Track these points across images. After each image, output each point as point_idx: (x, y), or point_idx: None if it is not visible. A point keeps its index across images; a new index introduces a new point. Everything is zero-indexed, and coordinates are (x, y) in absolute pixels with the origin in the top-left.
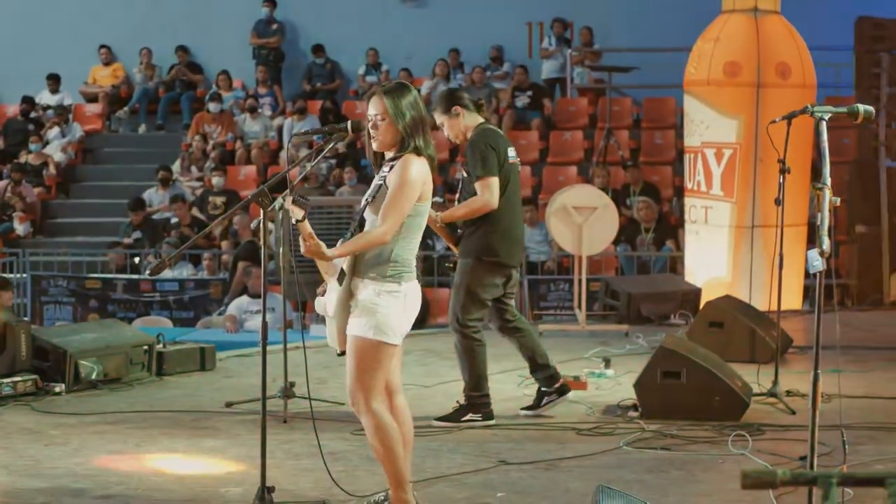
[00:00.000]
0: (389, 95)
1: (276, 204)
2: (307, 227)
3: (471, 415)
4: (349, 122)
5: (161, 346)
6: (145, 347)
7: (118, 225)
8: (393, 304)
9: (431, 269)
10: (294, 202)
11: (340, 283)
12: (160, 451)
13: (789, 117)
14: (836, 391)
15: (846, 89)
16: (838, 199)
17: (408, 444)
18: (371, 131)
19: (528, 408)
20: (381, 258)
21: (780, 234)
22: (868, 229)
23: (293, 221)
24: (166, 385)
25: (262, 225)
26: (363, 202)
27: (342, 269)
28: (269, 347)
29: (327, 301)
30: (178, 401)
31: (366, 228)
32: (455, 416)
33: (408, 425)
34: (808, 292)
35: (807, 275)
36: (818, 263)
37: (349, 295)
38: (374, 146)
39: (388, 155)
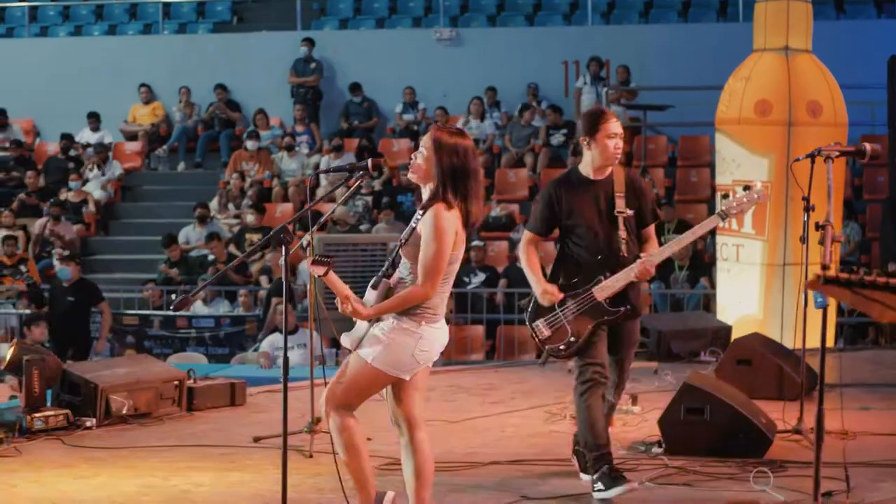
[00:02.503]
0: (439, 133)
1: (303, 241)
2: (338, 285)
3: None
4: (368, 161)
5: (192, 381)
6: (176, 383)
7: (156, 262)
8: (403, 342)
9: (465, 305)
10: (314, 262)
11: (370, 321)
12: (188, 485)
13: (808, 156)
14: (863, 429)
15: (881, 128)
16: (842, 237)
17: (428, 478)
18: (412, 160)
19: None
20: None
21: (805, 272)
22: None
23: (316, 276)
24: (196, 420)
25: (284, 261)
26: (399, 242)
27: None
28: (298, 383)
29: (354, 337)
30: (207, 435)
31: (399, 271)
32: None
33: (428, 460)
34: (841, 330)
35: (841, 313)
36: (821, 300)
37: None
38: (410, 175)
39: (425, 194)
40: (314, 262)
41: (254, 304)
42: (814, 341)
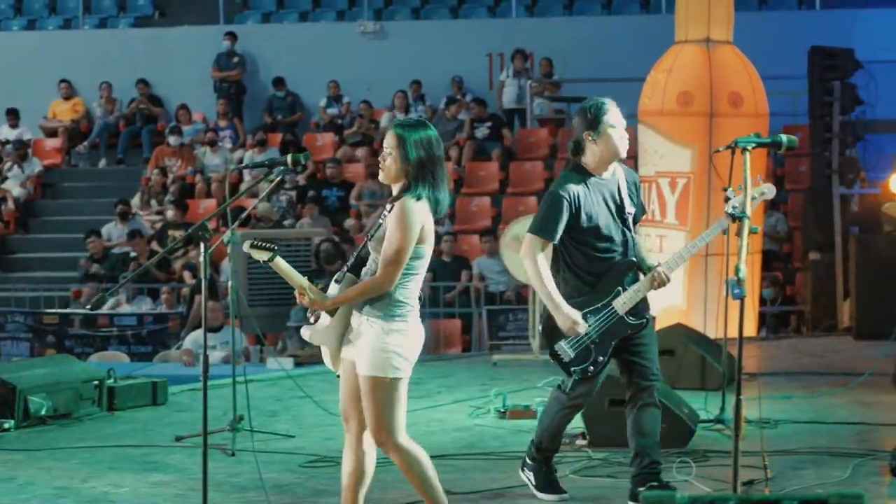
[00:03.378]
0: (400, 131)
1: (225, 237)
2: (292, 274)
3: None
4: (289, 156)
5: (112, 381)
6: (95, 383)
7: (76, 260)
8: (402, 341)
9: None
10: (252, 246)
11: (332, 315)
12: (107, 486)
13: (727, 148)
14: (784, 417)
15: (802, 118)
16: (758, 228)
17: (369, 477)
18: (380, 162)
19: None
20: (386, 298)
21: (726, 262)
22: (822, 256)
23: (261, 261)
24: (117, 420)
25: (204, 258)
26: (367, 236)
27: None
28: (221, 381)
29: (316, 330)
30: (128, 436)
31: (367, 265)
32: None
33: (371, 459)
34: (764, 319)
35: (763, 302)
36: (738, 291)
37: (344, 324)
38: (380, 177)
39: (395, 190)
40: (253, 247)
41: (177, 301)
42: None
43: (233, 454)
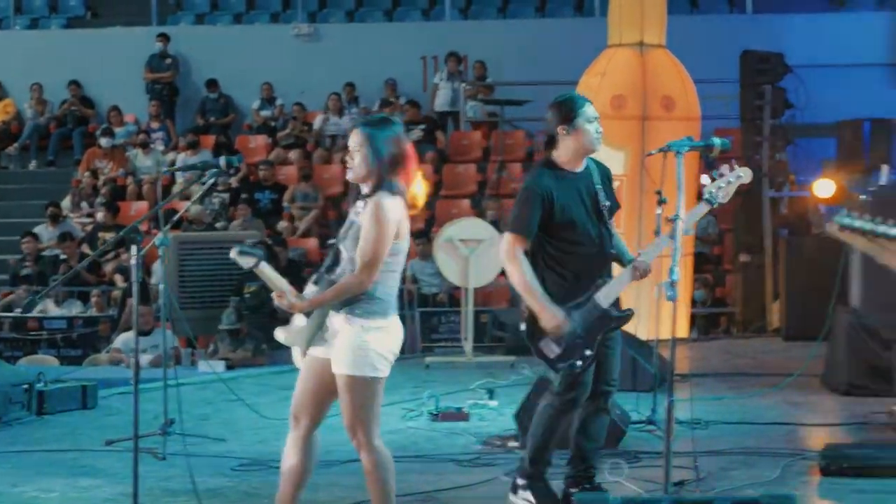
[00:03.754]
0: (367, 129)
1: (156, 240)
2: (274, 278)
3: None
4: (222, 159)
5: (42, 384)
6: (25, 386)
7: (7, 263)
8: (382, 339)
9: None
10: (240, 254)
11: (308, 315)
12: (37, 490)
13: (660, 151)
14: (715, 418)
15: (733, 121)
16: (692, 231)
17: (308, 478)
18: (347, 161)
19: None
20: (365, 296)
21: (659, 264)
22: (751, 258)
23: (244, 268)
24: (46, 424)
25: (135, 261)
26: (339, 237)
27: None
28: (151, 384)
29: (290, 331)
30: (58, 439)
31: (341, 264)
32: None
33: (314, 460)
34: (694, 321)
35: (694, 304)
36: (671, 293)
37: (318, 325)
38: (349, 177)
39: (364, 188)
40: (241, 254)
41: (107, 304)
42: (668, 332)
43: (164, 458)
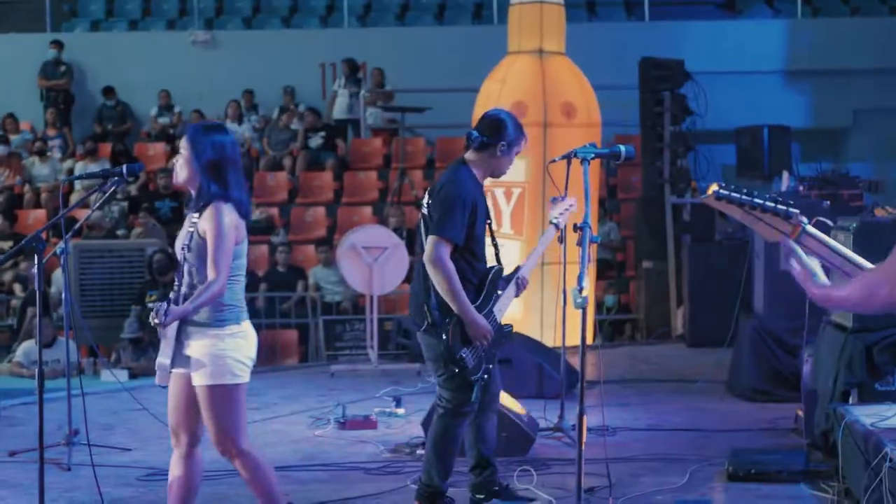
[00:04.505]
0: (193, 133)
1: (58, 249)
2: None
3: None
4: (124, 167)
5: None
6: None
7: None
8: (239, 345)
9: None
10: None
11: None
12: None
13: (564, 157)
14: (623, 424)
15: (634, 128)
16: (598, 238)
17: (196, 492)
18: (173, 165)
19: None
20: (216, 304)
21: (564, 271)
22: (654, 264)
23: (153, 323)
24: None
25: (38, 271)
26: (180, 251)
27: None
28: (55, 394)
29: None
30: None
31: (186, 275)
32: None
33: (199, 473)
34: (600, 327)
35: (605, 310)
36: (581, 300)
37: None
38: (173, 179)
39: (192, 192)
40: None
41: (6, 313)
42: (573, 339)
43: (69, 469)
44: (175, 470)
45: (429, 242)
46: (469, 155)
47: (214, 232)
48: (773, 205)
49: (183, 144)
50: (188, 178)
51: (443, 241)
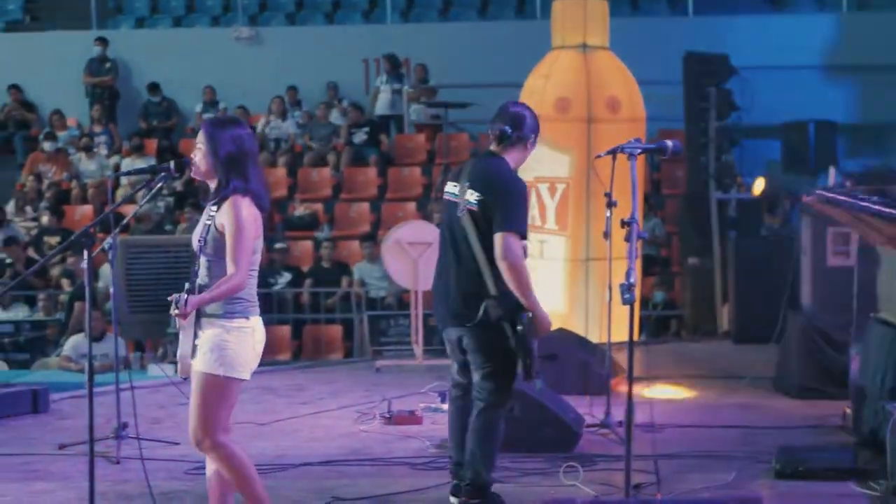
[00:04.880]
0: (210, 126)
1: (105, 244)
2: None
3: None
4: (171, 162)
5: None
6: None
7: None
8: (243, 340)
9: (271, 306)
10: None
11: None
12: None
13: (609, 153)
14: (669, 421)
15: (678, 122)
16: (646, 234)
17: (230, 486)
18: (193, 158)
19: None
20: (227, 297)
21: (609, 267)
22: (700, 261)
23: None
24: None
25: (87, 266)
26: (196, 243)
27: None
28: (103, 388)
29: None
30: (8, 444)
31: (203, 268)
32: None
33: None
34: (645, 324)
35: (654, 306)
36: (629, 296)
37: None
38: (192, 173)
39: (211, 186)
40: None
41: (54, 308)
42: (618, 335)
43: (118, 462)
44: (210, 462)
45: (499, 238)
46: (498, 149)
47: (234, 226)
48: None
49: (200, 139)
50: (207, 171)
51: (513, 235)
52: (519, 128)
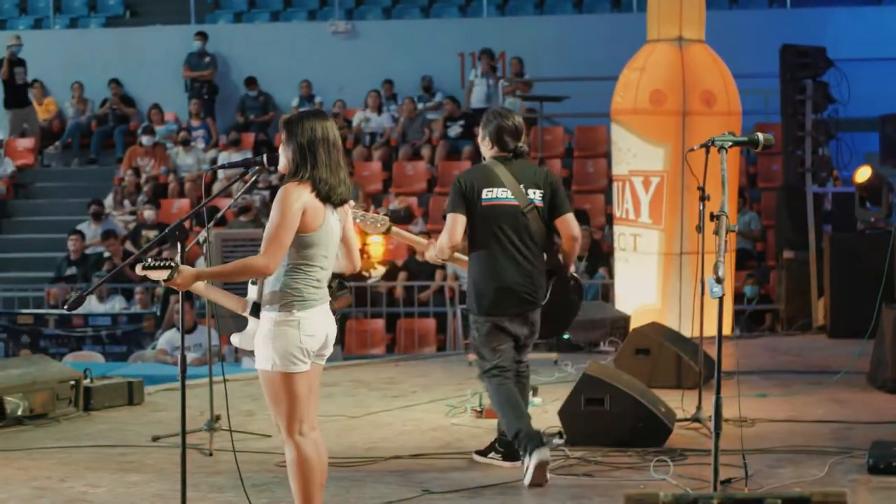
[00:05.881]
0: (286, 121)
1: (200, 237)
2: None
3: (493, 454)
4: (264, 156)
5: (88, 381)
6: (72, 382)
7: (51, 260)
8: (288, 333)
9: (365, 300)
10: (145, 268)
11: (256, 316)
12: (85, 485)
13: (702, 146)
14: (761, 415)
15: (774, 116)
16: (736, 227)
17: (322, 470)
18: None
19: (479, 452)
20: (275, 290)
21: (701, 261)
22: (795, 255)
23: (160, 282)
24: (93, 420)
25: (180, 259)
26: None
27: (254, 303)
28: (197, 381)
29: (246, 335)
30: (105, 435)
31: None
32: (483, 452)
33: (322, 462)
34: (738, 318)
35: (738, 300)
36: (717, 290)
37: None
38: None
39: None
40: (146, 268)
41: (150, 301)
42: (711, 329)
43: (210, 454)
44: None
45: (573, 219)
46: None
47: (274, 213)
48: None
49: (281, 131)
50: (285, 164)
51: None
52: (518, 134)
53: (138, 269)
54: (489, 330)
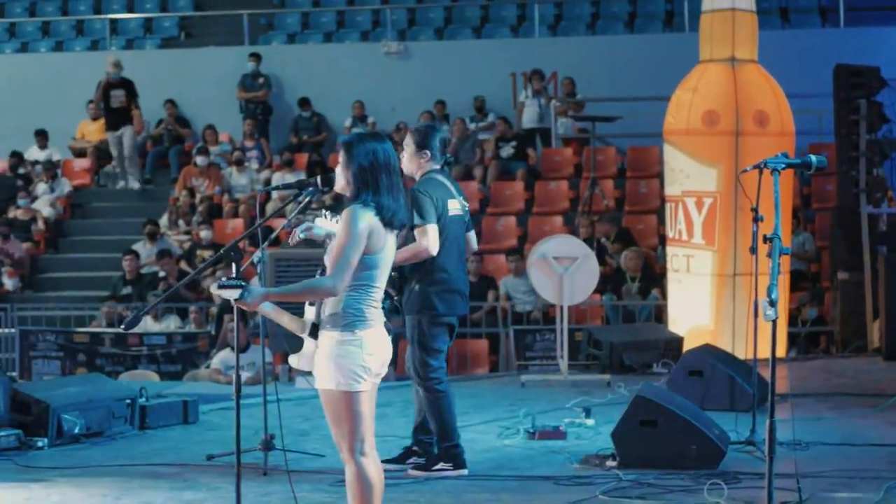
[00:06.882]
0: (345, 142)
1: (255, 257)
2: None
3: (442, 464)
4: (318, 177)
5: (144, 399)
6: (128, 401)
7: (107, 279)
8: (350, 353)
9: None
10: (220, 287)
11: (314, 337)
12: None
13: (755, 167)
14: (816, 439)
15: (828, 136)
16: (789, 249)
17: (378, 490)
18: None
19: (420, 467)
20: (336, 310)
21: (755, 282)
22: (850, 276)
23: (231, 300)
24: (148, 438)
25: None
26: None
27: (313, 323)
28: (251, 400)
29: (303, 355)
30: (160, 454)
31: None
32: (427, 466)
33: (381, 482)
34: (793, 340)
35: (792, 323)
36: (770, 312)
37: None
38: (335, 186)
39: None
40: (220, 287)
41: (205, 320)
42: (765, 352)
43: (265, 473)
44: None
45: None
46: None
47: (342, 235)
48: None
49: (340, 153)
50: (344, 185)
51: None
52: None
53: (212, 288)
54: (440, 332)
